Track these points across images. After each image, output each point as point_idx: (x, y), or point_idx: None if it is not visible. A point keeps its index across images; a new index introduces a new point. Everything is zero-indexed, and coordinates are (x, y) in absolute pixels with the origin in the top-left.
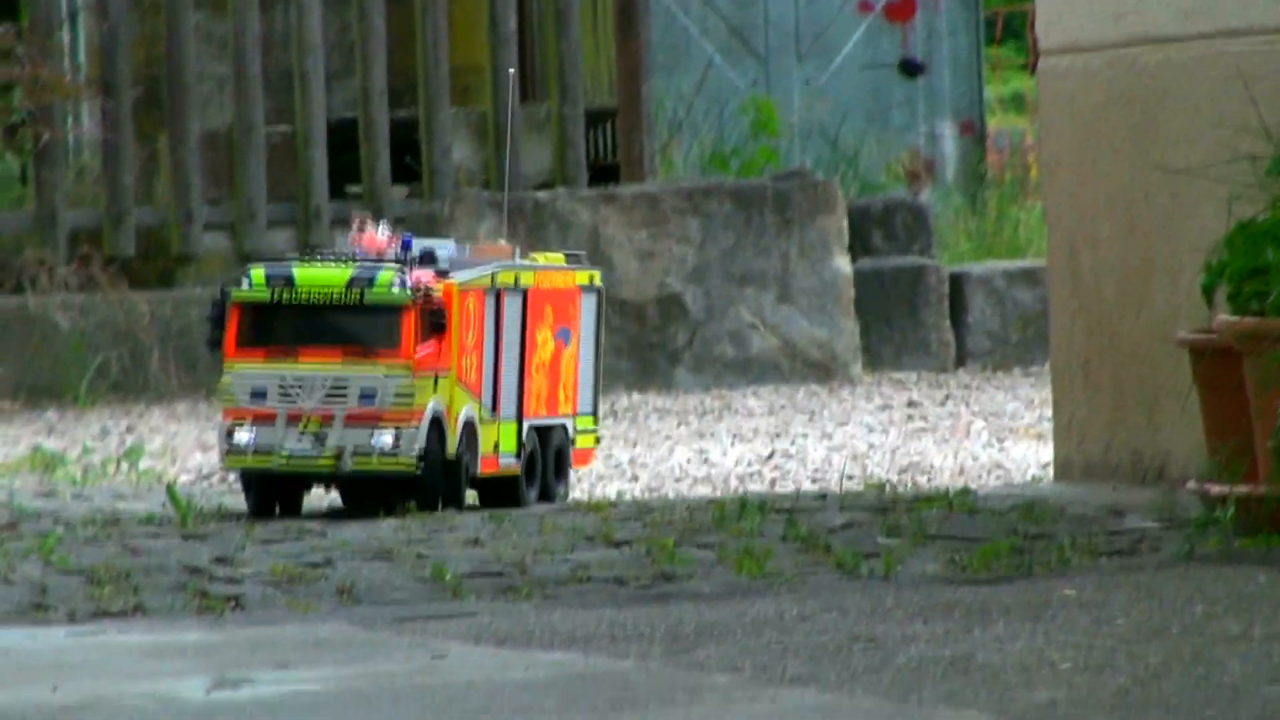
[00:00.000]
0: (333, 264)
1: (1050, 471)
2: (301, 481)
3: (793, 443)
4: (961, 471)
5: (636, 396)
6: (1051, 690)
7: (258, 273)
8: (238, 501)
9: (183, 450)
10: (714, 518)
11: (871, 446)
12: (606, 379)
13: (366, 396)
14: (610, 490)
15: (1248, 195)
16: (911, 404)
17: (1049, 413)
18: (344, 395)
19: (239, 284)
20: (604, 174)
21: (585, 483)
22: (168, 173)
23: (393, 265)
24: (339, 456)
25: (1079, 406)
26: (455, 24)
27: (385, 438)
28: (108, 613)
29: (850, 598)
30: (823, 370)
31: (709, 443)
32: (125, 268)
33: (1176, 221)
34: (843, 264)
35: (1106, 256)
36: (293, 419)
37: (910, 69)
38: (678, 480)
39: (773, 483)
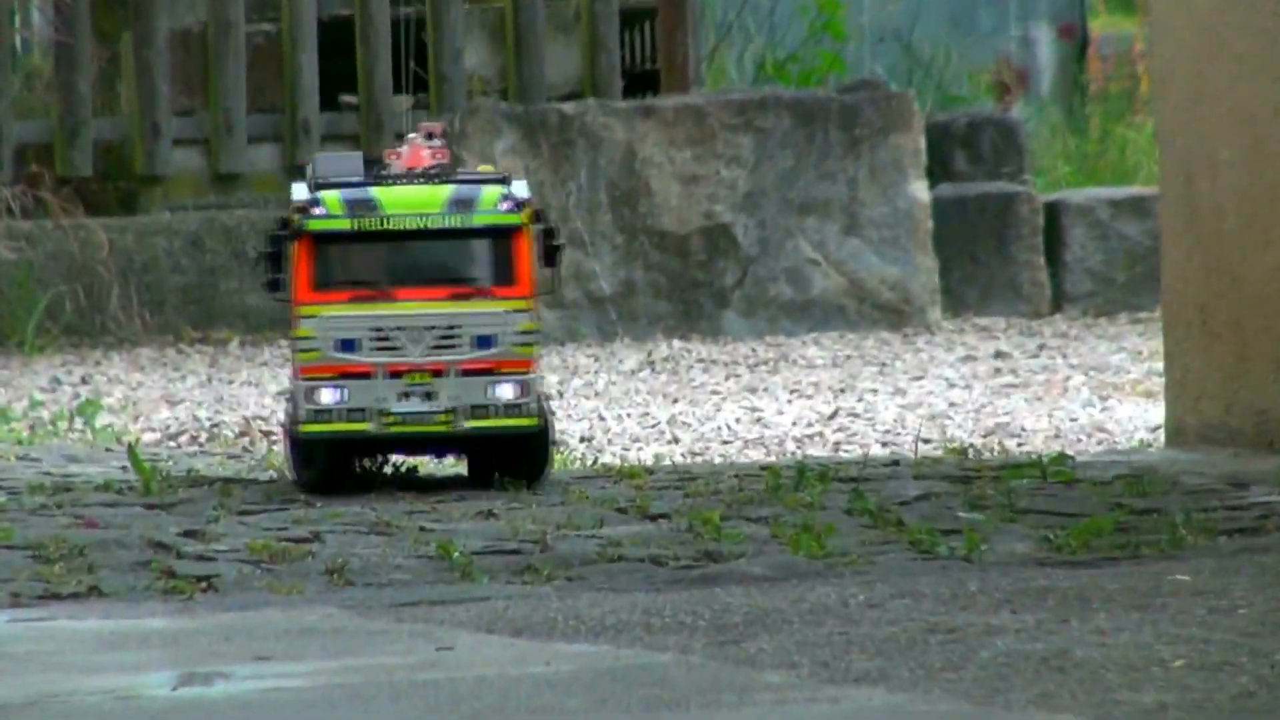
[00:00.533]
0: (420, 182)
1: (1161, 435)
2: (374, 449)
3: (860, 399)
4: (1057, 435)
5: (678, 344)
6: (1161, 692)
7: (332, 197)
8: (210, 465)
9: (146, 405)
10: (768, 487)
11: (952, 405)
12: (644, 323)
13: (483, 341)
14: (646, 454)
15: None
16: (999, 355)
17: (1160, 366)
18: (456, 341)
19: (306, 211)
20: (642, 82)
21: (617, 444)
22: (131, 79)
23: (494, 180)
24: (453, 414)
25: (1195, 359)
26: None
27: (506, 389)
28: (58, 595)
29: (926, 582)
30: (895, 314)
31: (762, 399)
32: (81, 190)
33: None
34: (920, 190)
35: (1229, 183)
36: (394, 373)
37: None
38: (725, 443)
39: (836, 446)
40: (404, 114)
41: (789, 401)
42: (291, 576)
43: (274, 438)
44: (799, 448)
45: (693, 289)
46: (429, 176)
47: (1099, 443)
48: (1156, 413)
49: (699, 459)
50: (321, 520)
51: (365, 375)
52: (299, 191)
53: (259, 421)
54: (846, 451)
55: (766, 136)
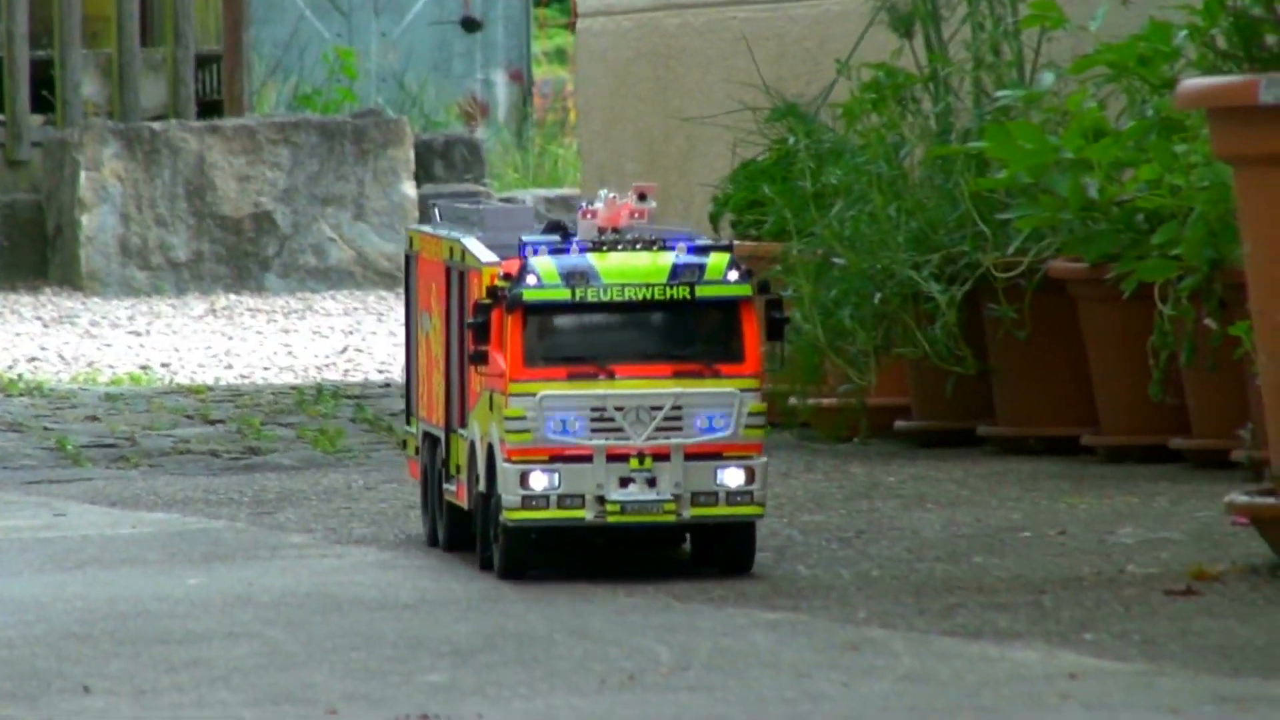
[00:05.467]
0: (636, 249)
1: None
2: (587, 538)
3: (363, 340)
4: None
5: (233, 298)
6: None
7: (547, 266)
8: None
9: None
10: (295, 401)
11: None
12: (209, 281)
13: (710, 423)
14: (208, 376)
15: (750, 140)
16: None
17: None
18: (680, 423)
19: (520, 280)
20: (210, 108)
21: (189, 369)
22: None
23: (720, 247)
24: (677, 502)
25: None
26: None
27: (735, 475)
28: None
29: (406, 472)
30: (390, 278)
31: (293, 338)
32: None
33: (690, 160)
34: (409, 189)
35: (629, 187)
36: (614, 457)
37: (470, 25)
38: (266, 369)
39: (346, 373)
40: (40, 128)
41: (312, 340)
42: None
43: None
44: (319, 373)
45: (244, 257)
46: (646, 242)
47: None
48: None
49: (246, 380)
50: None
51: (583, 459)
52: (480, 251)
53: None
54: (353, 377)
55: (299, 149)
